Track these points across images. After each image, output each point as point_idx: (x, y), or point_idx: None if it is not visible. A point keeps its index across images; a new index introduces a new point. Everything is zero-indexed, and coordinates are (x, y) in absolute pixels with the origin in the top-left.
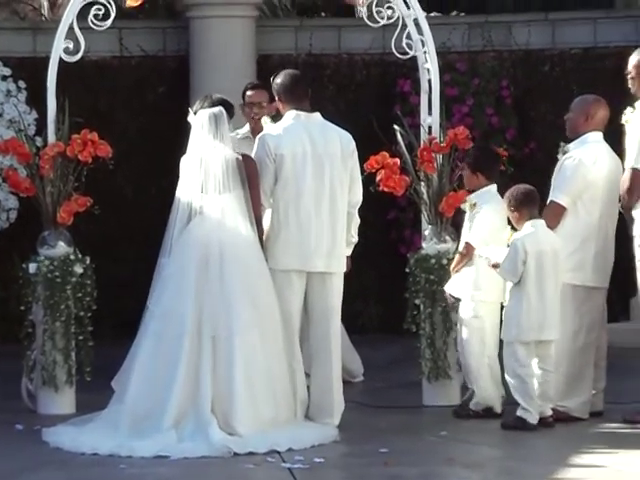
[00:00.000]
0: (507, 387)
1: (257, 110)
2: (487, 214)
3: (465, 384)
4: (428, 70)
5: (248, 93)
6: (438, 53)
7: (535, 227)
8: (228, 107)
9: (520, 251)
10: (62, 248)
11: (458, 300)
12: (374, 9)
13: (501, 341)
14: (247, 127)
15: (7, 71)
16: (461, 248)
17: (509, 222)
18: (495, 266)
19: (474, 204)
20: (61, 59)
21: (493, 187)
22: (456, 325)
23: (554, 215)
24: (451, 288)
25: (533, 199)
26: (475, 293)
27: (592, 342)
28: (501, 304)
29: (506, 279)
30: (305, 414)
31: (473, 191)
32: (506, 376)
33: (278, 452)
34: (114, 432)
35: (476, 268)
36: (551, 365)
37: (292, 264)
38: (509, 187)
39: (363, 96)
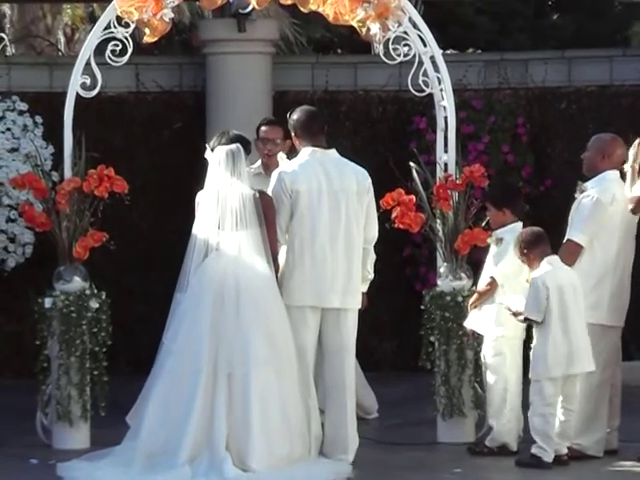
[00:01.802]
0: (526, 425)
1: (271, 147)
2: (514, 251)
3: (479, 421)
4: (444, 107)
5: (263, 129)
6: (454, 90)
7: (551, 264)
8: (245, 144)
9: (541, 288)
10: (78, 283)
11: (480, 336)
12: (390, 46)
13: (526, 378)
14: (259, 163)
15: (24, 106)
16: (483, 283)
17: None
18: (516, 314)
19: (500, 239)
20: (78, 94)
21: (519, 225)
22: (471, 363)
23: (571, 254)
24: (472, 324)
25: (543, 238)
26: (497, 329)
27: (607, 380)
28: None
29: (532, 318)
30: (319, 450)
31: (492, 229)
32: (529, 414)
33: None
34: (128, 468)
35: (497, 304)
36: (575, 404)
37: (307, 300)
38: (525, 224)
39: (379, 133)
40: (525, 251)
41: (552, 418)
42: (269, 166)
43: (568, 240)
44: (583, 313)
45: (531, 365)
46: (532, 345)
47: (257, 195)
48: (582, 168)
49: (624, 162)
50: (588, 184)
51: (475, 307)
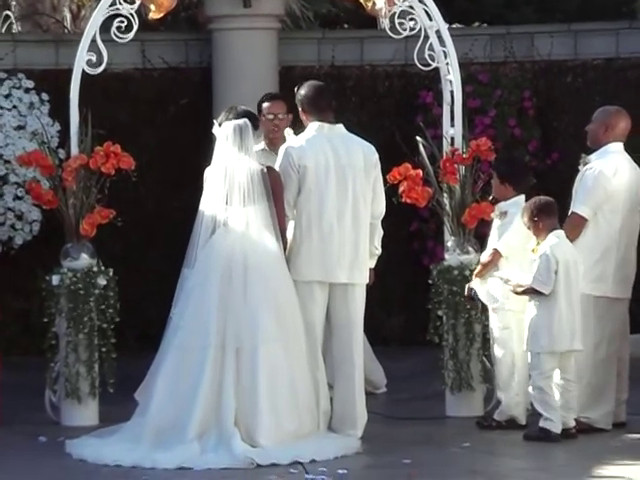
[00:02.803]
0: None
1: (277, 122)
2: (519, 223)
3: (488, 395)
4: (450, 81)
5: (265, 105)
6: (460, 64)
7: (559, 238)
8: (253, 119)
9: (552, 261)
10: (85, 260)
11: (478, 299)
12: (396, 21)
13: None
14: (261, 139)
15: (30, 83)
16: (487, 255)
17: None
18: (515, 287)
19: (504, 212)
20: (84, 71)
21: (522, 198)
22: (479, 336)
23: (575, 226)
24: (479, 293)
25: (553, 209)
26: (504, 302)
27: (614, 353)
28: None
29: (540, 290)
30: (328, 425)
31: (498, 201)
32: (529, 386)
33: (301, 463)
34: (137, 444)
35: (497, 278)
36: (573, 375)
37: (314, 275)
38: (531, 197)
39: (385, 108)
40: (535, 219)
41: (549, 389)
42: (275, 142)
43: (572, 213)
44: (580, 291)
45: (530, 337)
46: (530, 317)
47: (265, 170)
48: (587, 141)
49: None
50: (591, 156)
51: (479, 277)
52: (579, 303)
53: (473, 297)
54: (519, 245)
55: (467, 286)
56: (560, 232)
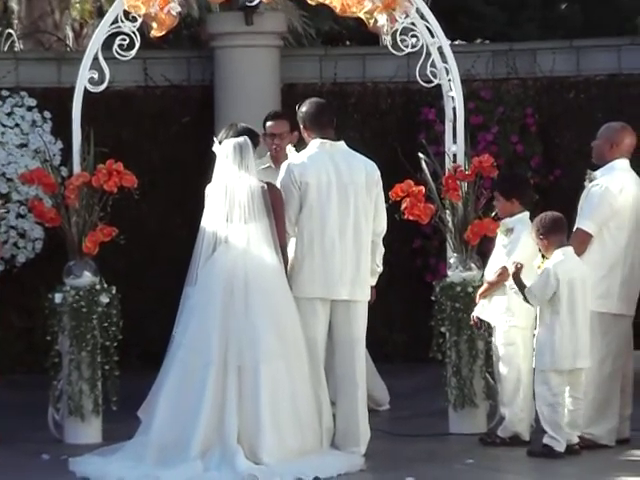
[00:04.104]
0: (537, 415)
1: (278, 141)
2: (526, 239)
3: (491, 412)
4: (452, 98)
5: (268, 124)
6: (462, 81)
7: (565, 255)
8: (253, 136)
9: (552, 278)
10: (88, 278)
11: (485, 324)
12: (398, 37)
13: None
14: (268, 155)
15: (32, 101)
16: (493, 273)
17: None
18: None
19: (511, 229)
20: (86, 89)
21: (526, 214)
22: (482, 353)
23: (580, 242)
24: (482, 313)
25: (562, 226)
26: (508, 319)
27: (619, 369)
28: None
29: (531, 303)
30: (331, 442)
31: (501, 218)
32: (537, 404)
33: None
34: (140, 462)
35: (508, 294)
36: (581, 393)
37: (316, 292)
38: (535, 214)
39: (387, 124)
40: (542, 236)
41: (560, 407)
42: (278, 159)
43: (577, 229)
44: (588, 309)
45: (536, 354)
46: (535, 333)
47: (265, 187)
48: (591, 157)
49: (633, 150)
50: (597, 173)
51: (484, 297)
52: (587, 321)
53: (480, 327)
54: (526, 262)
55: (472, 316)
56: (568, 249)
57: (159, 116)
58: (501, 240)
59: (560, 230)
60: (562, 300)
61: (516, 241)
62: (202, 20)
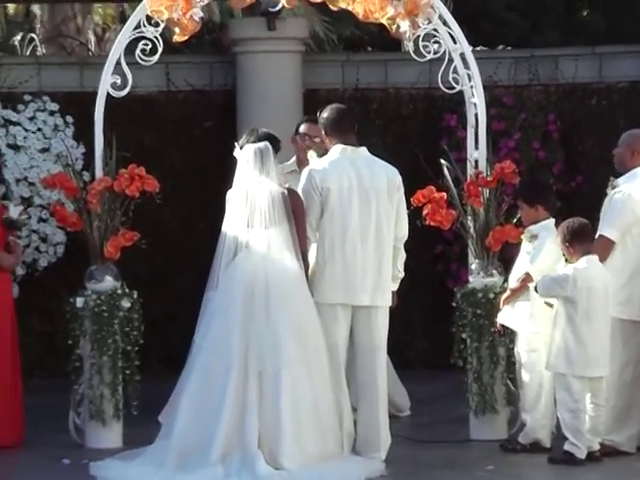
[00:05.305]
0: (558, 421)
1: (310, 143)
2: (550, 246)
3: (512, 418)
4: (475, 104)
5: (304, 126)
6: (485, 87)
7: (589, 263)
8: (274, 142)
9: (569, 281)
10: (109, 282)
11: (509, 330)
12: (421, 43)
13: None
14: (293, 159)
15: (54, 106)
16: (516, 280)
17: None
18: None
19: (535, 235)
20: (108, 94)
21: (551, 221)
22: (503, 359)
23: (603, 249)
24: (505, 319)
25: (588, 233)
26: (531, 325)
27: (639, 376)
28: None
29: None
30: (352, 448)
31: (524, 226)
32: (558, 410)
33: None
34: (161, 467)
35: (531, 300)
36: (602, 400)
37: (338, 298)
38: (557, 221)
39: (409, 130)
40: (567, 243)
41: (582, 414)
42: (304, 161)
43: (600, 236)
44: (609, 318)
45: (552, 357)
46: (553, 337)
47: (286, 193)
48: (613, 164)
49: None
50: (620, 180)
51: (507, 304)
52: (607, 330)
53: (503, 333)
54: (550, 269)
55: (496, 322)
56: (593, 257)
57: (181, 121)
58: (525, 247)
59: (586, 237)
60: (578, 307)
61: (540, 247)
62: (224, 25)
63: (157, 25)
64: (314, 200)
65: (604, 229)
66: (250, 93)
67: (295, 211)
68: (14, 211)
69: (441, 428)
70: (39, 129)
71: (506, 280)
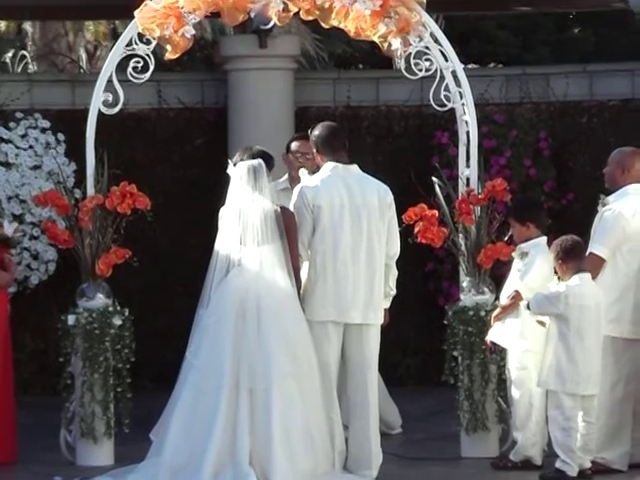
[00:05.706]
0: (550, 439)
1: (302, 160)
2: (541, 264)
3: (503, 436)
4: (466, 122)
5: (295, 143)
6: (476, 105)
7: (581, 280)
8: (267, 159)
9: (561, 299)
10: (101, 300)
11: (499, 348)
12: (412, 61)
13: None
14: (285, 177)
15: (46, 123)
16: (507, 297)
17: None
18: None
19: (526, 253)
20: (100, 111)
21: (543, 239)
22: (494, 377)
23: (593, 267)
24: (495, 337)
25: (581, 251)
26: (521, 343)
27: (631, 393)
28: None
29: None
30: (343, 466)
31: (516, 243)
32: (550, 428)
33: None
34: None
35: (521, 318)
36: (594, 417)
37: (329, 315)
38: (548, 238)
39: (401, 148)
40: (560, 261)
41: (574, 432)
42: (296, 179)
43: (590, 253)
44: (601, 336)
45: (543, 374)
46: (545, 354)
47: (278, 210)
48: (603, 182)
49: None
50: (610, 197)
51: (498, 320)
52: (599, 348)
53: (493, 350)
54: (540, 287)
55: (486, 339)
56: (585, 275)
57: (173, 138)
58: (516, 264)
59: (579, 255)
60: (570, 325)
61: (530, 265)
62: (216, 43)
63: (149, 42)
64: (306, 218)
65: (594, 247)
66: (242, 110)
67: (287, 229)
68: (9, 228)
69: (432, 445)
70: (31, 146)
71: (497, 298)
